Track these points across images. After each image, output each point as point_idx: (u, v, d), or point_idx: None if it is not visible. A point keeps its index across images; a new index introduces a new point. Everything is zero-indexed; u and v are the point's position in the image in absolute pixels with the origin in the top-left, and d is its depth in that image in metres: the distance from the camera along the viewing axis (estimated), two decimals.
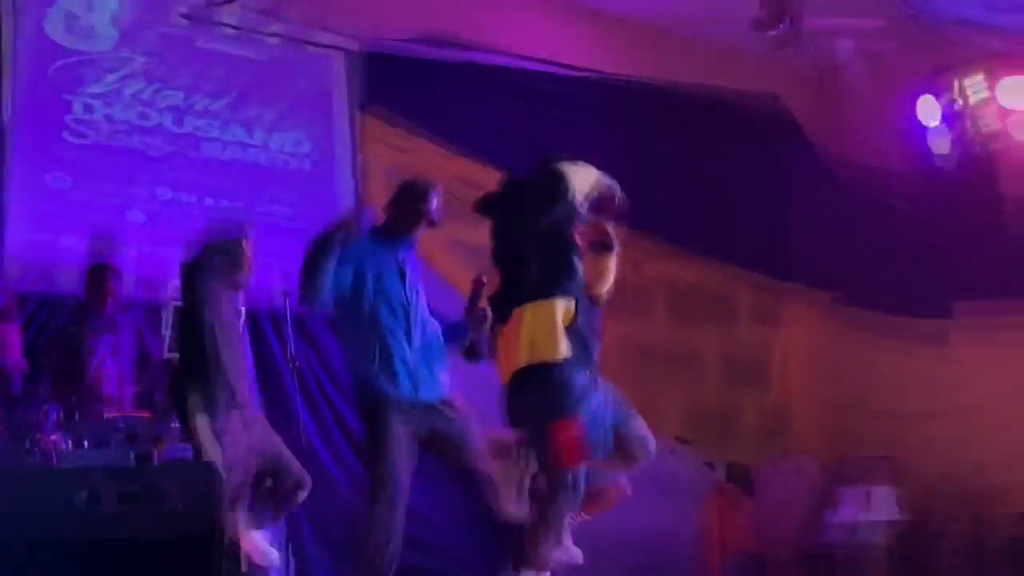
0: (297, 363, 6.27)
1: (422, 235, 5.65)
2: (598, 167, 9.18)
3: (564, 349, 5.10)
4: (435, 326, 5.41)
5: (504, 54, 9.17)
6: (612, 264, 5.51)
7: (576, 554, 5.29)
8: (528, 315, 5.19)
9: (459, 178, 8.78)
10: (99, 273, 6.66)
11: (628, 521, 5.38)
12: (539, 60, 9.34)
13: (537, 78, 9.32)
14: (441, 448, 5.35)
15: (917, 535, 8.43)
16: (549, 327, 5.12)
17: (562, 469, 5.01)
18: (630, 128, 9.47)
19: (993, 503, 8.58)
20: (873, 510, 8.26)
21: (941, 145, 9.26)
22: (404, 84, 8.75)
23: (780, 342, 10.30)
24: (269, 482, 5.72)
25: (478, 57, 9.05)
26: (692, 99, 9.81)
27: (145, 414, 6.35)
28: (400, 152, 8.68)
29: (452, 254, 8.60)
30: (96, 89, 7.60)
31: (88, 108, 7.57)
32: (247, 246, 5.76)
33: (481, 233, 9.00)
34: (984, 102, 8.75)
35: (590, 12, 9.75)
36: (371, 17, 8.66)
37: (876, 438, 9.03)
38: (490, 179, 8.85)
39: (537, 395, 5.09)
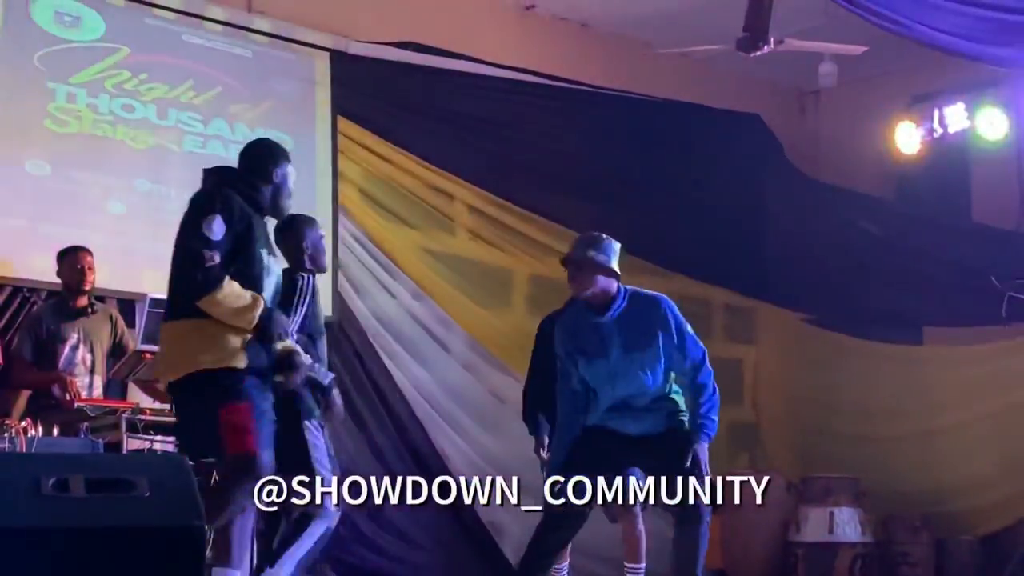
0: None
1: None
2: (575, 179, 9.26)
3: None
4: None
5: (484, 63, 9.18)
6: None
7: None
8: None
9: (432, 186, 8.80)
10: (72, 254, 6.63)
11: (590, 530, 5.38)
12: (518, 70, 9.35)
13: (514, 88, 9.33)
14: None
15: (879, 557, 8.48)
16: None
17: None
18: (607, 141, 9.50)
19: (956, 528, 8.65)
20: (837, 531, 8.29)
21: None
22: (382, 89, 8.76)
23: (752, 360, 10.35)
24: None
25: (457, 65, 9.05)
26: (672, 115, 9.85)
27: (116, 403, 6.34)
28: (376, 157, 8.69)
29: (422, 261, 8.61)
30: (81, 78, 7.58)
31: (71, 97, 7.55)
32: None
33: (449, 242, 9.03)
34: (964, 131, 8.82)
35: (574, 25, 9.80)
36: (352, 22, 8.69)
37: (842, 459, 9.08)
38: (461, 189, 8.92)
39: None
